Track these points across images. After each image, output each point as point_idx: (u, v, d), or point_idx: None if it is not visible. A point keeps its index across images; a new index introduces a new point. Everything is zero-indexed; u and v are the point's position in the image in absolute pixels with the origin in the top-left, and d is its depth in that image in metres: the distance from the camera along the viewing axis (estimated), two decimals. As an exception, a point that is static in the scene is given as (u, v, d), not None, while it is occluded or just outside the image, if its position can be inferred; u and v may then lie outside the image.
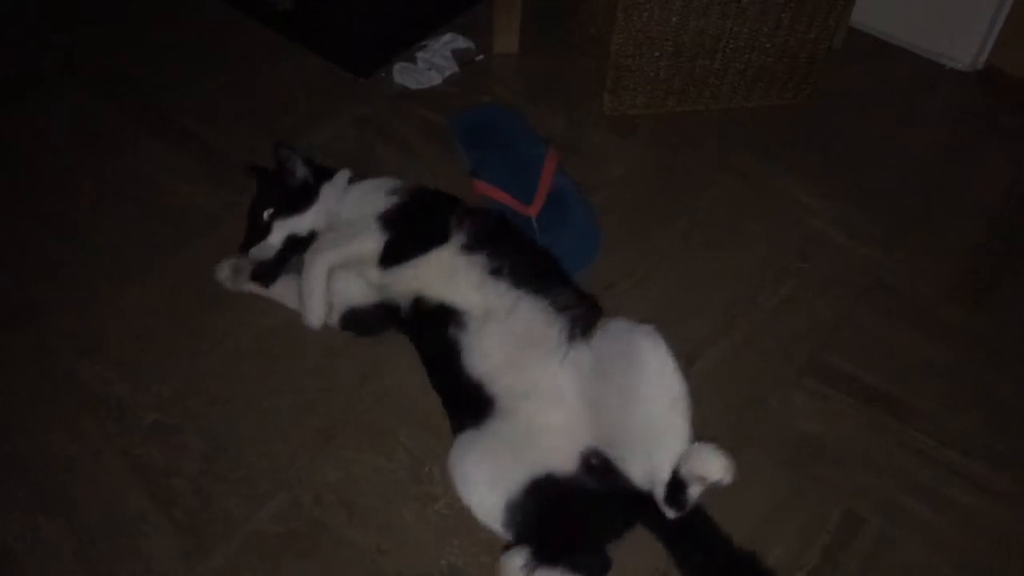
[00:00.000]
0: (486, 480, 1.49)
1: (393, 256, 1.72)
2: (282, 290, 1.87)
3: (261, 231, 1.83)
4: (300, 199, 1.85)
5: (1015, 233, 2.08)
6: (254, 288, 1.88)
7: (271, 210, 1.83)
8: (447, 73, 2.37)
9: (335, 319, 1.79)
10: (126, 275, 1.93)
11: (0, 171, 2.16)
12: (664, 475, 1.44)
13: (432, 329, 1.65)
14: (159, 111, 2.28)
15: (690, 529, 1.49)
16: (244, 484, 1.63)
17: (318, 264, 1.73)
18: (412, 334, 1.72)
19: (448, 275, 1.66)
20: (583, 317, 1.61)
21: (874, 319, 1.90)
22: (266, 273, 1.86)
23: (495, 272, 1.64)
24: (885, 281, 1.97)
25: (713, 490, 1.62)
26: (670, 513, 1.45)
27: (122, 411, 1.72)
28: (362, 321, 1.79)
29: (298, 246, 1.83)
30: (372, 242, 1.73)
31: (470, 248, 1.67)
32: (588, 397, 1.53)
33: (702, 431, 1.69)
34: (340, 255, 1.74)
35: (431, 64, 2.37)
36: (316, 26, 2.37)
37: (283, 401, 1.73)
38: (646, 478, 1.47)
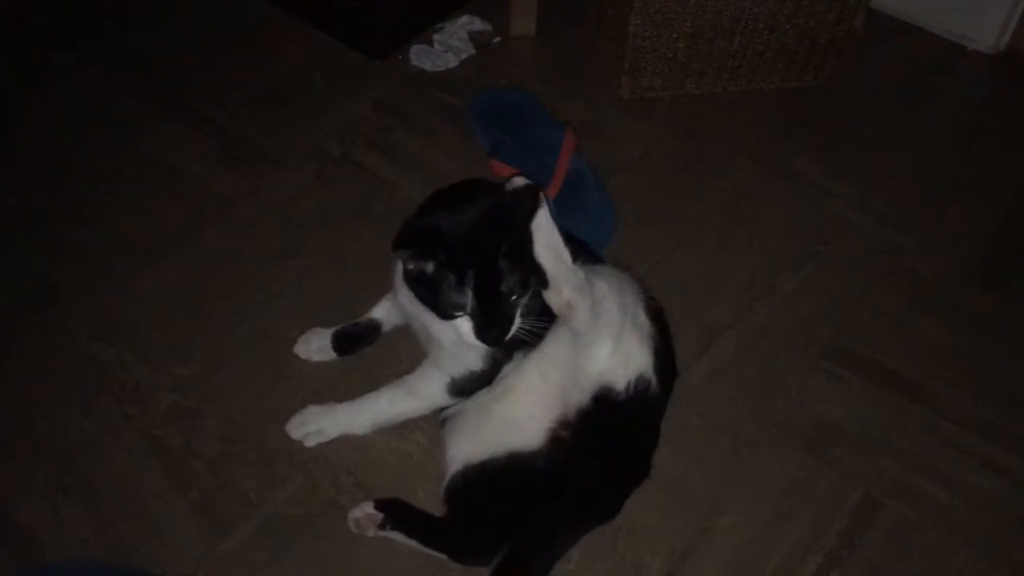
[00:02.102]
0: None
1: None
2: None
3: (506, 314, 1.43)
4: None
5: (1037, 216, 2.07)
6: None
7: (520, 288, 1.42)
8: (464, 55, 2.36)
9: None
10: (143, 258, 1.94)
11: (17, 155, 2.16)
12: None
13: None
14: (174, 94, 2.28)
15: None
16: (261, 466, 1.64)
17: None
18: None
19: None
20: None
21: (893, 302, 1.89)
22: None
23: None
24: (904, 264, 1.96)
25: (731, 472, 1.63)
26: None
27: (140, 393, 1.73)
28: None
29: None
30: None
31: None
32: None
33: (720, 414, 1.71)
34: None
35: (448, 46, 2.37)
36: (332, 8, 2.36)
37: (301, 383, 1.74)
38: None
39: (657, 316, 1.58)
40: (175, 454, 1.65)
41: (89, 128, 2.20)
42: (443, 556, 1.51)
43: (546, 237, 1.42)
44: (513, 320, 1.42)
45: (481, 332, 1.41)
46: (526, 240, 1.40)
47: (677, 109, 2.26)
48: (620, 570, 1.53)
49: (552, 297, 1.42)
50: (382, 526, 1.53)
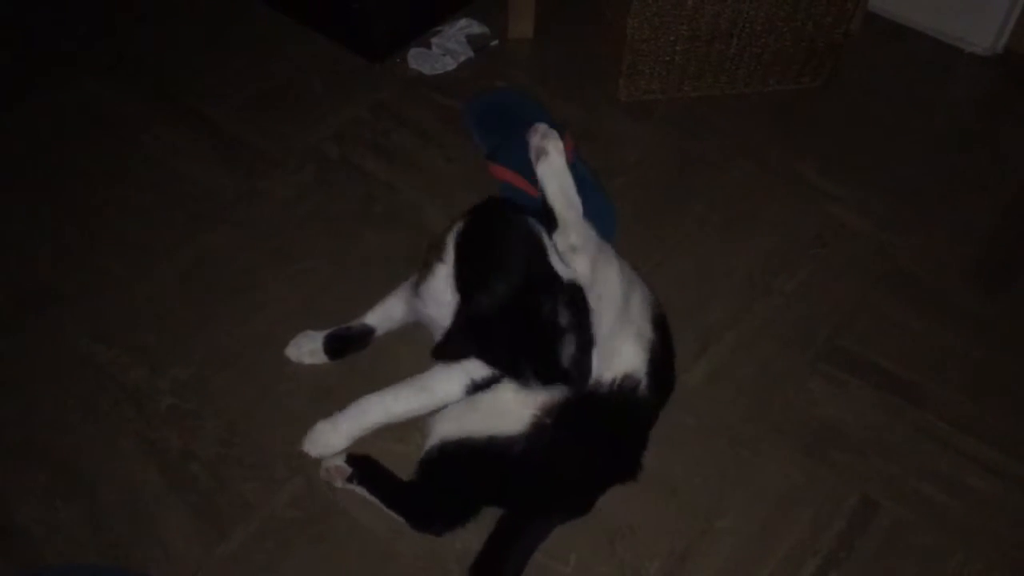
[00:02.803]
0: None
1: None
2: None
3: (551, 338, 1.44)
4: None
5: (1034, 218, 2.07)
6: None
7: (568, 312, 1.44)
8: (462, 58, 2.37)
9: None
10: (142, 260, 1.94)
11: (16, 158, 2.16)
12: None
13: None
14: (173, 97, 2.28)
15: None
16: (260, 468, 1.64)
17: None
18: None
19: None
20: None
21: (891, 305, 1.89)
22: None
23: None
24: (902, 266, 1.96)
25: (729, 474, 1.63)
26: None
27: (139, 395, 1.73)
28: None
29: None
30: None
31: None
32: None
33: (718, 416, 1.71)
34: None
35: (446, 49, 2.37)
36: (331, 11, 2.36)
37: (300, 386, 1.74)
38: None
39: (659, 322, 1.59)
40: (174, 456, 1.65)
41: (88, 130, 2.21)
42: (400, 519, 1.54)
43: (560, 183, 1.47)
44: (591, 345, 1.44)
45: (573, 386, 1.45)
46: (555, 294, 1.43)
47: (675, 111, 2.26)
48: (619, 572, 1.53)
49: (559, 239, 1.46)
50: (349, 479, 1.56)
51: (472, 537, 1.54)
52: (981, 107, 2.34)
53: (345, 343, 1.77)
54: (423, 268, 1.61)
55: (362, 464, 1.58)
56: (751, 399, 1.75)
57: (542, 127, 1.51)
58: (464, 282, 1.50)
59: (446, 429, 1.53)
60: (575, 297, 1.45)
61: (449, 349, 1.49)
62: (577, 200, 1.49)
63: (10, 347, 1.80)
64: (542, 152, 1.54)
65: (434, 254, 1.57)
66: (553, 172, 1.48)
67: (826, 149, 2.18)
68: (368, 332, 1.77)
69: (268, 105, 2.26)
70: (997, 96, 2.35)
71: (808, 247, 1.98)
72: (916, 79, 2.38)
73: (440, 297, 1.55)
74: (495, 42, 2.42)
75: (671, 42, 2.15)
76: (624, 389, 1.50)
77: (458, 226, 1.55)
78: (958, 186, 2.12)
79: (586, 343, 1.43)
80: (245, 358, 1.78)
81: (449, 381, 1.58)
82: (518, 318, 1.44)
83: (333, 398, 1.70)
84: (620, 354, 1.50)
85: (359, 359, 1.77)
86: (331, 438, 1.62)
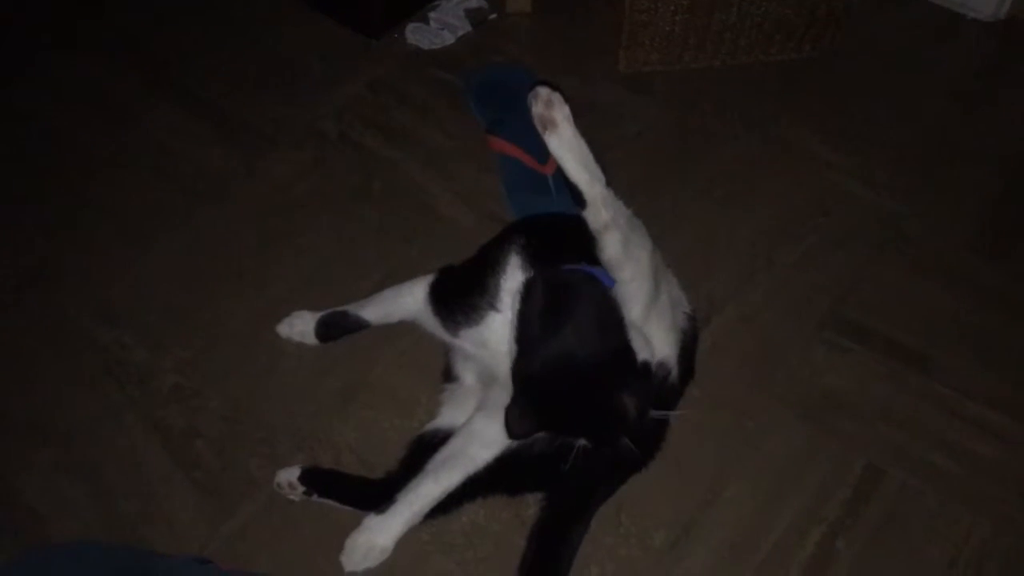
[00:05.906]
0: None
1: None
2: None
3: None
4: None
5: (1038, 184, 2.06)
6: None
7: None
8: (460, 33, 2.35)
9: None
10: (143, 241, 1.93)
11: (17, 138, 2.16)
12: None
13: None
14: (171, 77, 2.27)
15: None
16: (265, 445, 1.64)
17: None
18: None
19: None
20: None
21: (895, 272, 1.88)
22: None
23: None
24: (906, 234, 1.95)
25: (734, 445, 1.63)
26: None
27: (142, 375, 1.73)
28: None
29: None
30: None
31: None
32: None
33: (722, 387, 1.70)
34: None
35: (444, 24, 2.35)
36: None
37: (302, 363, 1.74)
38: None
39: (690, 318, 1.58)
40: (178, 435, 1.65)
41: (88, 111, 2.20)
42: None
43: (577, 155, 1.36)
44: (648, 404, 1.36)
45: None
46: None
47: (675, 83, 2.25)
48: (625, 542, 1.53)
49: (590, 216, 1.39)
50: (308, 494, 1.54)
51: (480, 511, 1.55)
52: (983, 74, 2.32)
53: (336, 330, 1.74)
54: (461, 300, 1.51)
55: (317, 480, 1.55)
56: (755, 370, 1.74)
57: (543, 92, 1.35)
58: (530, 346, 1.36)
59: (458, 417, 1.53)
60: (648, 377, 1.37)
61: (518, 425, 1.34)
62: (599, 170, 1.37)
63: (12, 326, 1.80)
64: (549, 123, 1.37)
65: (478, 293, 1.48)
66: (567, 145, 1.34)
67: (828, 118, 2.17)
68: (363, 325, 1.72)
69: (266, 84, 2.25)
70: (999, 63, 2.33)
71: (811, 217, 1.97)
72: (918, 46, 2.36)
73: (492, 346, 1.47)
74: (493, 16, 2.40)
75: (671, 12, 2.14)
76: (657, 378, 1.43)
77: (517, 275, 1.46)
78: (960, 153, 2.11)
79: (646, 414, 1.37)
80: (247, 336, 1.78)
81: (496, 423, 1.41)
82: (588, 398, 1.34)
83: (335, 373, 1.70)
84: (652, 341, 1.43)
85: (363, 337, 1.75)
86: (379, 539, 1.48)
